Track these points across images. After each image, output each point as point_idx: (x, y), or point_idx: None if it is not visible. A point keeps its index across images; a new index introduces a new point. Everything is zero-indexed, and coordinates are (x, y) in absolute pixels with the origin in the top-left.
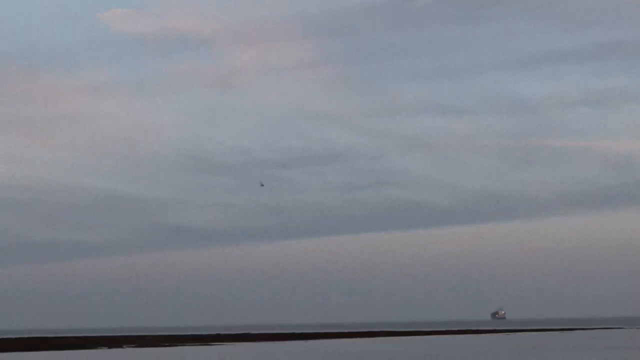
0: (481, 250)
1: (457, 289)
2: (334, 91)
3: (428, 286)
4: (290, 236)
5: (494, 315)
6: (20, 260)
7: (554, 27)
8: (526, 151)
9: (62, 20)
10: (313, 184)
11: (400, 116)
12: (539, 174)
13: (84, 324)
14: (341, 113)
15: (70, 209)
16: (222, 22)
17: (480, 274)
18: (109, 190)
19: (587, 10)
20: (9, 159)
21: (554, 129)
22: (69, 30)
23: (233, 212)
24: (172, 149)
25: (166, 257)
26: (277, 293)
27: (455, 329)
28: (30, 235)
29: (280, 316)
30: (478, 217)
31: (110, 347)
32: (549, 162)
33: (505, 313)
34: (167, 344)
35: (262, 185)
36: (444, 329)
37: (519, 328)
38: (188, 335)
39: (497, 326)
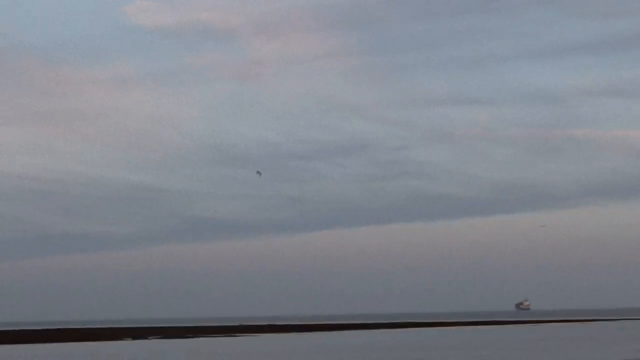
0: (505, 240)
1: (481, 280)
2: (357, 82)
3: (451, 277)
4: (312, 228)
5: (518, 306)
6: (45, 253)
7: (577, 16)
8: (550, 141)
9: (86, 13)
10: (336, 175)
11: (423, 107)
12: (562, 165)
13: (108, 315)
14: (364, 104)
15: (94, 201)
16: (245, 14)
17: (505, 265)
18: (132, 182)
19: None
20: (33, 151)
21: (578, 119)
22: (93, 23)
23: (256, 204)
24: (195, 141)
25: (190, 249)
26: (300, 285)
27: (479, 320)
28: (54, 228)
29: (303, 308)
30: (501, 207)
31: (134, 338)
32: (573, 152)
33: (529, 304)
34: (191, 335)
35: (259, 173)
36: (468, 320)
37: (543, 319)
38: (212, 327)
39: (522, 317)
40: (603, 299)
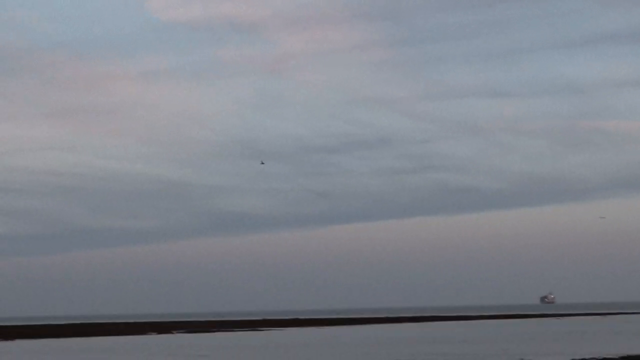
0: (531, 233)
1: (506, 273)
2: (383, 75)
3: (477, 270)
4: (339, 221)
5: (543, 299)
6: (72, 247)
7: (606, 6)
8: (577, 133)
9: (114, 9)
10: (361, 169)
11: (449, 100)
12: (589, 156)
13: (133, 310)
14: (390, 97)
15: (122, 196)
16: (272, 7)
17: (530, 258)
18: (160, 177)
19: None
20: (62, 147)
21: (605, 111)
22: (121, 19)
23: (282, 198)
24: (222, 136)
25: (216, 244)
26: (326, 278)
27: (504, 313)
28: (82, 222)
29: (329, 301)
30: (528, 200)
31: (159, 333)
32: (600, 144)
33: (554, 297)
34: (215, 330)
35: (262, 163)
36: (493, 314)
37: (568, 312)
38: (237, 321)
39: (546, 310)
40: (629, 292)
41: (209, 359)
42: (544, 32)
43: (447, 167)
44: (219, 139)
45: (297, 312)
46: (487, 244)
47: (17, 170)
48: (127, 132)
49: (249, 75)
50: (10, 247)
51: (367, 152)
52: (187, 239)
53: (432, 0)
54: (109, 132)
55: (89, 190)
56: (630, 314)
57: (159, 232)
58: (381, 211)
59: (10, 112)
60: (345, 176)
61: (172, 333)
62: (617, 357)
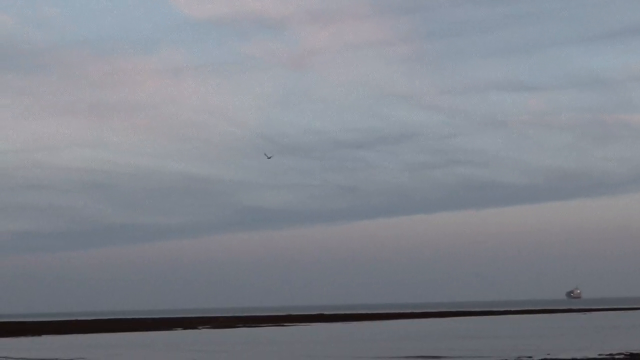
0: (557, 228)
1: (532, 268)
2: (408, 70)
3: (502, 265)
4: (364, 216)
5: (570, 294)
6: (99, 244)
7: None
8: (604, 127)
9: (139, 5)
10: (387, 163)
11: (475, 94)
12: (617, 150)
13: (160, 305)
14: (415, 92)
15: (148, 192)
16: (296, 3)
17: (556, 253)
18: (186, 172)
19: None
20: (88, 144)
21: (633, 104)
22: (146, 15)
23: (308, 193)
24: (248, 131)
25: (242, 239)
26: (352, 273)
27: (530, 308)
28: (109, 219)
29: (355, 297)
30: (554, 194)
31: (185, 328)
32: (628, 138)
33: (581, 292)
34: (241, 325)
35: (268, 157)
36: (519, 309)
37: (594, 307)
38: (262, 317)
39: (573, 305)
40: None
41: (228, 354)
42: (569, 25)
43: (472, 162)
44: (245, 134)
45: (322, 307)
46: (513, 238)
47: (45, 168)
48: (153, 129)
49: (273, 71)
50: (38, 244)
51: (392, 147)
52: (213, 235)
53: None
54: (135, 128)
55: (116, 187)
56: None
57: (186, 228)
58: (406, 206)
59: (37, 110)
60: (370, 171)
61: (198, 329)
62: None
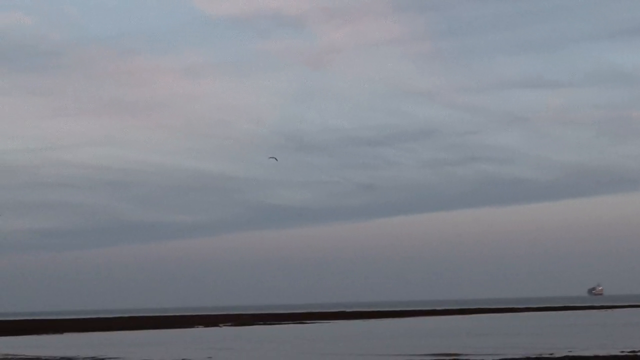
0: (578, 225)
1: (553, 265)
2: (427, 67)
3: (523, 262)
4: (383, 214)
5: (591, 291)
6: (119, 242)
7: None
8: (625, 123)
9: (156, 3)
10: (406, 161)
11: (495, 90)
12: (638, 147)
13: (180, 303)
14: (434, 88)
15: (166, 190)
16: (315, 1)
17: (577, 250)
18: (204, 170)
19: None
20: (106, 142)
21: None
22: (164, 13)
23: (327, 190)
24: (266, 129)
25: (260, 237)
26: (371, 271)
27: (552, 305)
28: (127, 217)
29: (375, 294)
30: (575, 191)
31: (206, 326)
32: None
33: (602, 289)
34: (261, 323)
35: (274, 159)
36: (540, 306)
37: (616, 304)
38: (282, 314)
39: (595, 302)
40: None
41: (246, 351)
42: (590, 21)
43: (492, 159)
44: (263, 132)
45: (342, 305)
46: (534, 235)
47: (63, 166)
48: (171, 127)
49: (292, 69)
50: (57, 242)
51: (412, 144)
52: (231, 233)
53: None
54: (154, 126)
55: (135, 185)
56: None
57: (204, 226)
58: (426, 204)
59: (56, 108)
60: (389, 169)
61: (219, 326)
62: None
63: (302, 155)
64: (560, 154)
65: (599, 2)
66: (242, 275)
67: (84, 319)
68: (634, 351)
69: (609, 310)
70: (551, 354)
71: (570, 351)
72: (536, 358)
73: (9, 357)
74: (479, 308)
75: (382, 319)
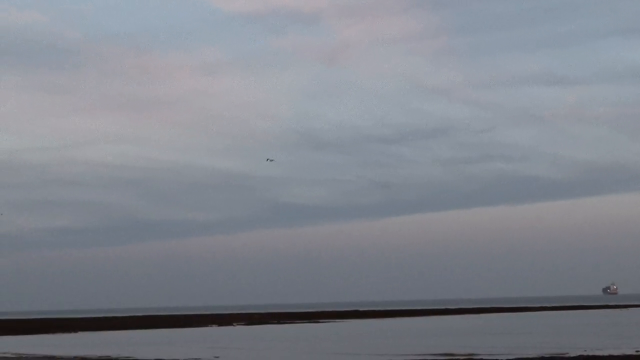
0: (592, 223)
1: (568, 264)
2: (442, 64)
3: (538, 261)
4: (398, 212)
5: (606, 290)
6: (135, 240)
7: None
8: None
9: (173, 0)
10: (421, 159)
11: (509, 88)
12: None
13: (195, 302)
14: (449, 86)
15: (183, 187)
16: None
17: (592, 248)
18: (220, 168)
19: None
20: (122, 140)
21: None
22: (179, 9)
23: (341, 188)
24: (282, 126)
25: (276, 235)
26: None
27: (566, 304)
28: (144, 215)
29: (390, 293)
30: (591, 189)
31: (220, 325)
32: None
33: (617, 288)
34: (275, 322)
35: (270, 160)
36: (555, 305)
37: (631, 303)
38: (296, 313)
39: (609, 302)
40: None
41: (258, 350)
42: (604, 18)
43: (507, 156)
44: (279, 129)
45: (357, 303)
46: (548, 234)
47: (80, 164)
48: (187, 124)
49: (307, 66)
50: (73, 240)
51: (427, 141)
52: (247, 231)
53: None
54: (170, 124)
55: (151, 183)
56: None
57: (220, 224)
58: (441, 201)
59: (72, 105)
60: (404, 166)
61: (233, 325)
62: None
63: (317, 153)
64: (576, 151)
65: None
66: (256, 274)
67: (97, 317)
68: None
69: (624, 310)
70: (565, 353)
71: (585, 350)
72: (550, 358)
73: (23, 356)
74: (493, 307)
75: (396, 318)
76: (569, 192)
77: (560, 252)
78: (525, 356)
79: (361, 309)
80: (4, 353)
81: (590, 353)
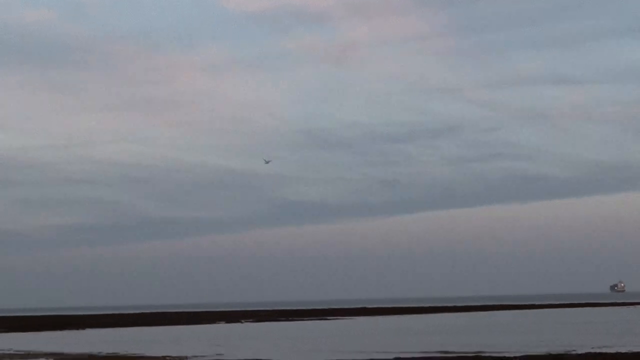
0: (600, 221)
1: (576, 262)
2: (449, 63)
3: (546, 259)
4: (405, 210)
5: (613, 288)
6: (142, 238)
7: None
8: None
9: (180, 0)
10: (428, 157)
11: (516, 87)
12: None
13: (202, 299)
14: (456, 85)
15: (189, 186)
16: None
17: (599, 246)
18: (227, 167)
19: None
20: (130, 138)
21: None
22: (187, 10)
23: (348, 187)
24: (288, 125)
25: (283, 233)
26: (392, 267)
27: (574, 302)
28: (150, 213)
29: (397, 290)
30: (597, 188)
31: (228, 322)
32: None
33: (624, 286)
34: (283, 319)
35: (267, 161)
36: (563, 302)
37: (639, 301)
38: (304, 310)
39: (617, 299)
40: None
41: (262, 347)
42: (611, 18)
43: (514, 155)
44: (285, 128)
45: (364, 301)
46: (556, 232)
47: (87, 162)
48: (193, 123)
49: (314, 65)
50: (81, 238)
51: (433, 140)
52: (253, 229)
53: None
54: (176, 123)
55: (158, 181)
56: None
57: (226, 223)
58: (448, 200)
59: (79, 105)
60: (411, 165)
61: (241, 322)
62: None
63: (323, 151)
64: (582, 150)
65: (619, 0)
66: (263, 271)
67: (105, 314)
68: None
69: (631, 307)
70: (574, 350)
71: (593, 347)
72: (558, 355)
73: (31, 353)
74: (501, 304)
75: (404, 316)
76: (575, 191)
77: (567, 250)
78: (533, 353)
79: (369, 306)
80: (14, 350)
81: (599, 350)
